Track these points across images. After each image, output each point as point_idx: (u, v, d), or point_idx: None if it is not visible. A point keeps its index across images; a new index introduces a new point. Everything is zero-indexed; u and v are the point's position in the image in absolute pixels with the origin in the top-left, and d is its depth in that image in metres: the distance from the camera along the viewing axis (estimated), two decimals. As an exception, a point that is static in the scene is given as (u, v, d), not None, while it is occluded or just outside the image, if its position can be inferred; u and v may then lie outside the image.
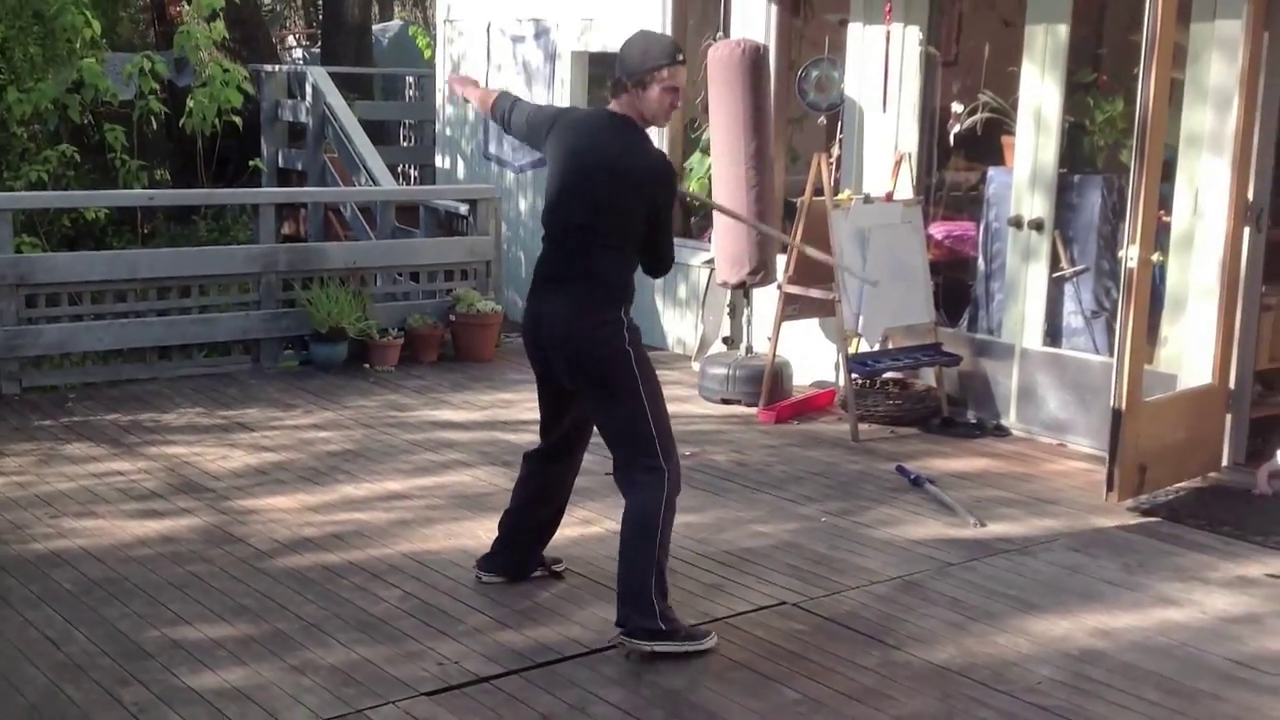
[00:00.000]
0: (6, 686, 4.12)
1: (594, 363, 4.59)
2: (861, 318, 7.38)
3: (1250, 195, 6.44)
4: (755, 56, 7.77)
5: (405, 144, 14.58)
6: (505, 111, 5.03)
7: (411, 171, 14.17)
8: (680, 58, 4.60)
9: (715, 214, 8.02)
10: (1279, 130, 6.48)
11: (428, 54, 15.44)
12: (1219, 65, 6.45)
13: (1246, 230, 6.48)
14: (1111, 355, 6.19)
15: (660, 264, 4.76)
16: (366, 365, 8.52)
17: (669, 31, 9.33)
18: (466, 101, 4.86)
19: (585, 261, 4.60)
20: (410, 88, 14.65)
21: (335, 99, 12.56)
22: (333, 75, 13.14)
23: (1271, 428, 6.67)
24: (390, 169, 12.39)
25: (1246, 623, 4.85)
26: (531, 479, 5.03)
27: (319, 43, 18.14)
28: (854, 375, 7.42)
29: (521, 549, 5.07)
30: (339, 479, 6.28)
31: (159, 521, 5.63)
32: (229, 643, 4.47)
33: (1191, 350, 6.62)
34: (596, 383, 4.62)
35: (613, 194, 4.57)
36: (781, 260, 7.78)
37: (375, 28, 17.70)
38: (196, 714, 3.97)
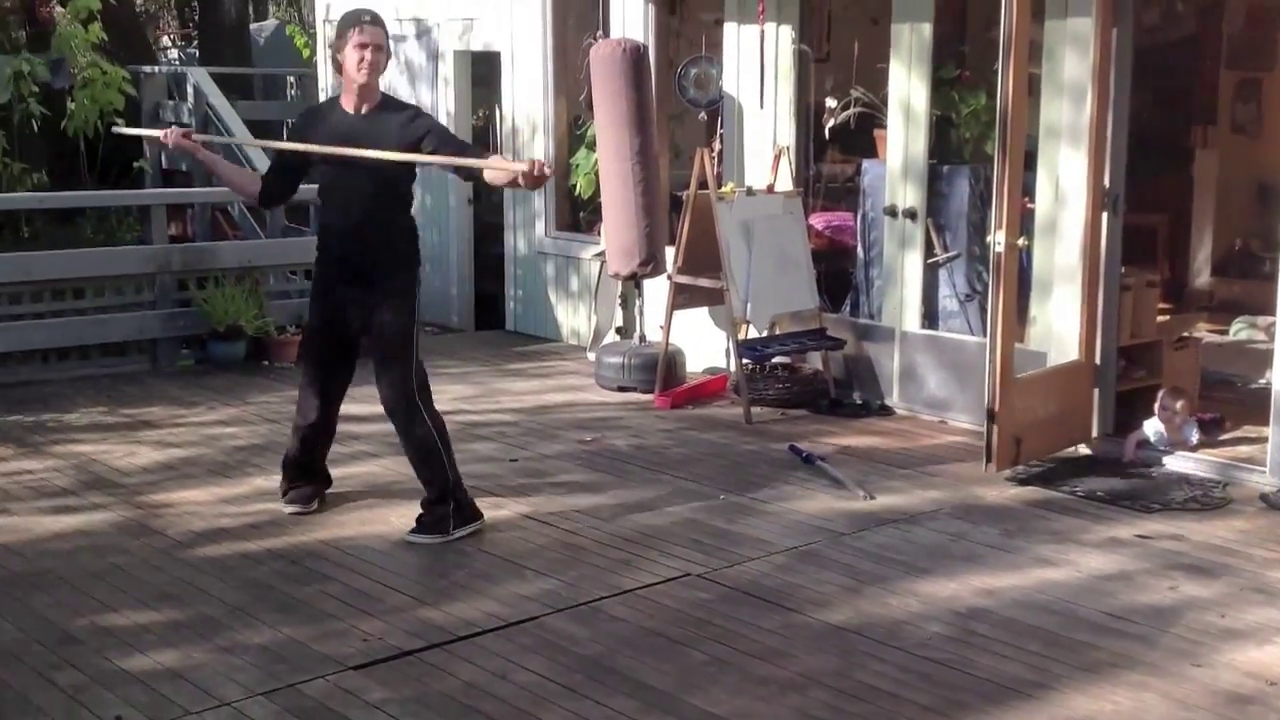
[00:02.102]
0: (-61, 677, 4.21)
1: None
2: (749, 305, 7.68)
3: (1107, 182, 6.85)
4: (636, 55, 8.03)
5: (288, 143, 14.56)
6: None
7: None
8: (367, 19, 5.35)
9: (605, 207, 8.26)
10: (1130, 121, 6.91)
11: (306, 53, 15.44)
12: (1073, 60, 6.85)
13: (1105, 215, 6.89)
14: (985, 336, 6.56)
15: None
16: (265, 362, 8.62)
17: (549, 30, 9.53)
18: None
19: None
20: (292, 87, 14.67)
21: (218, 99, 12.56)
22: (213, 75, 13.11)
23: (1137, 400, 7.10)
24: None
25: (1118, 579, 5.21)
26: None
27: (194, 43, 17.99)
28: (745, 360, 7.72)
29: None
30: (249, 472, 6.41)
31: (74, 516, 5.72)
32: (157, 627, 4.60)
33: (1059, 329, 7.03)
34: None
35: None
36: (670, 251, 8.05)
37: (252, 27, 17.59)
38: (132, 693, 4.10)
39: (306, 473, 5.87)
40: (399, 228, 5.56)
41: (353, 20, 5.38)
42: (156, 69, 13.93)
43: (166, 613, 4.74)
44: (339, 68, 5.43)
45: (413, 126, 5.39)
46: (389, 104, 5.55)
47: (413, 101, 10.59)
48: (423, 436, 5.54)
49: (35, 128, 11.36)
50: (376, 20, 5.39)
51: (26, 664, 4.29)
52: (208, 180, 12.65)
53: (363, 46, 5.30)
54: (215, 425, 7.24)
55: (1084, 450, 6.89)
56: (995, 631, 4.70)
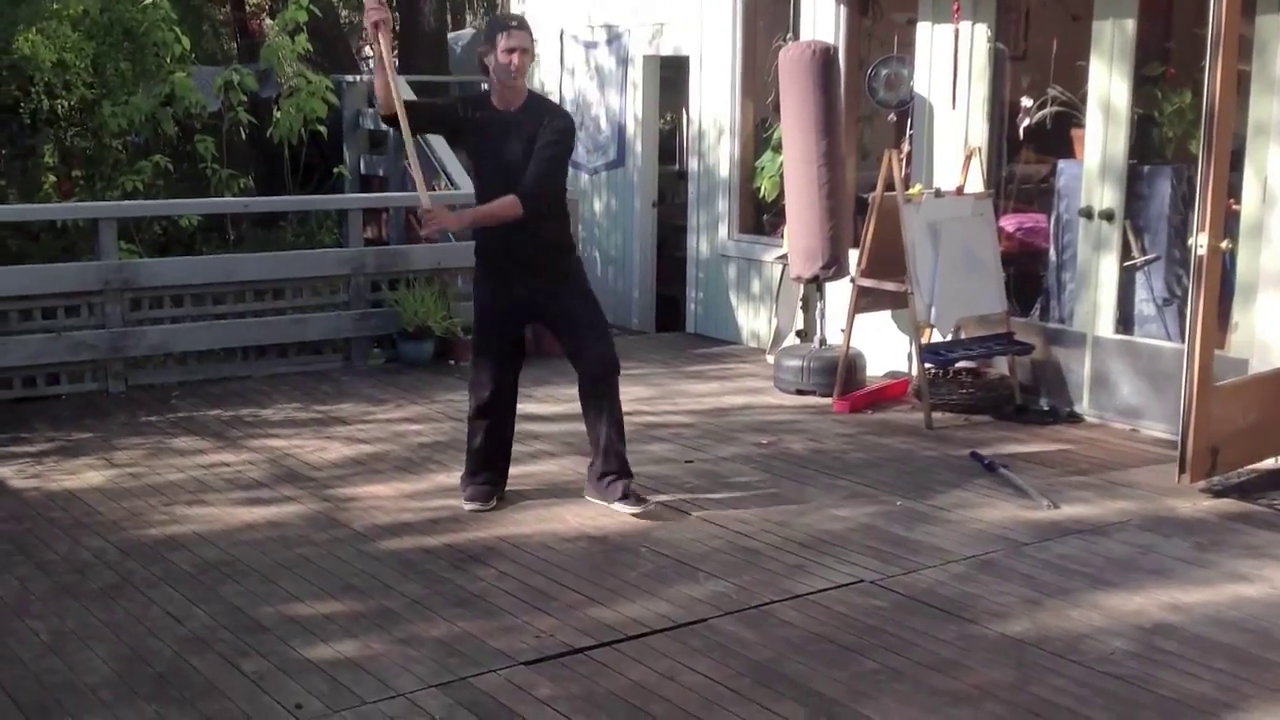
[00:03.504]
0: (135, 658, 4.41)
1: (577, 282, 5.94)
2: (934, 309, 7.54)
3: (1319, 182, 6.54)
4: (825, 57, 7.96)
5: (482, 149, 14.85)
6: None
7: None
8: (514, 24, 5.64)
9: (789, 209, 8.21)
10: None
11: (501, 61, 15.73)
12: (1285, 55, 6.55)
13: (1316, 217, 6.57)
14: (1183, 341, 6.31)
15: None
16: (451, 362, 8.81)
17: (739, 33, 9.53)
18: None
19: None
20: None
21: (415, 106, 12.86)
22: (411, 83, 13.43)
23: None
24: (469, 173, 12.66)
25: (1317, 597, 4.97)
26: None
27: (396, 52, 18.50)
28: (927, 365, 7.58)
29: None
30: (432, 468, 6.56)
31: (266, 508, 5.94)
32: (339, 618, 4.75)
33: (1262, 335, 6.72)
34: None
35: None
36: (854, 254, 7.96)
37: (450, 36, 18.01)
38: (313, 682, 4.24)
39: (486, 463, 5.99)
40: (554, 218, 5.81)
41: (501, 25, 5.69)
42: (358, 78, 14.33)
43: (348, 604, 4.88)
44: (485, 69, 5.69)
45: (545, 128, 5.63)
46: (537, 102, 5.86)
47: (603, 106, 10.75)
48: (619, 408, 5.92)
49: (243, 135, 11.84)
50: (523, 25, 5.68)
51: (214, 650, 4.47)
52: (402, 185, 13.06)
53: (511, 51, 5.57)
54: (402, 422, 7.43)
55: (1288, 462, 6.57)
56: (1182, 649, 4.52)
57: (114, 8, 11.43)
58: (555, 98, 11.27)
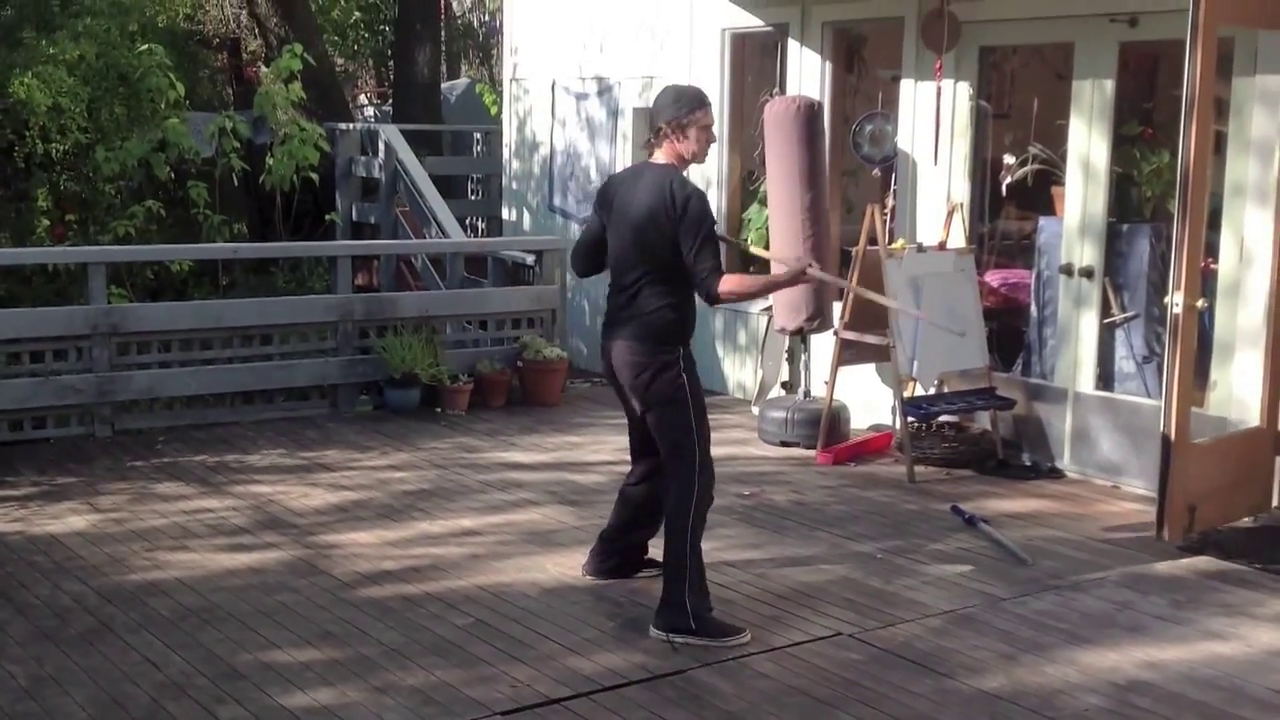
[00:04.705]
0: (111, 704, 4.43)
1: (646, 391, 5.15)
2: (916, 362, 7.60)
3: (1295, 243, 6.61)
4: (810, 112, 8.06)
5: (473, 197, 14.98)
6: None
7: (479, 224, 14.57)
8: (708, 100, 5.24)
9: (774, 262, 8.28)
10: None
11: (494, 110, 15.89)
12: (1261, 117, 6.64)
13: (1292, 276, 6.64)
14: (1161, 398, 6.36)
15: (697, 286, 5.13)
16: (438, 409, 8.85)
17: (727, 87, 9.65)
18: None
19: (637, 304, 5.16)
20: (478, 144, 15.07)
21: (406, 155, 12.98)
22: (404, 132, 13.56)
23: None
24: (459, 221, 12.77)
25: (1291, 655, 5.00)
26: (628, 503, 5.57)
27: (390, 101, 18.67)
28: (910, 418, 7.63)
29: (626, 556, 5.68)
30: (415, 516, 6.58)
31: (248, 554, 5.96)
32: (316, 665, 4.76)
33: (1240, 393, 6.78)
34: (651, 406, 5.18)
35: (652, 234, 5.09)
36: (838, 307, 8.03)
37: (444, 86, 18.17)
38: (289, 729, 4.26)
39: (613, 549, 5.67)
40: None
41: (703, 100, 5.23)
42: (351, 126, 14.46)
43: (326, 651, 4.90)
44: (663, 137, 5.17)
45: None
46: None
47: (593, 156, 10.85)
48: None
49: (236, 182, 11.94)
50: (709, 101, 5.30)
51: (191, 696, 4.49)
52: (394, 233, 13.16)
53: (708, 128, 5.21)
54: (387, 469, 7.46)
55: (1264, 520, 6.60)
56: (1156, 705, 4.55)
57: (110, 53, 11.57)
58: (546, 148, 11.39)
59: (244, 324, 8.57)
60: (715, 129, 5.38)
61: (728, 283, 5.12)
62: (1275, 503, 6.68)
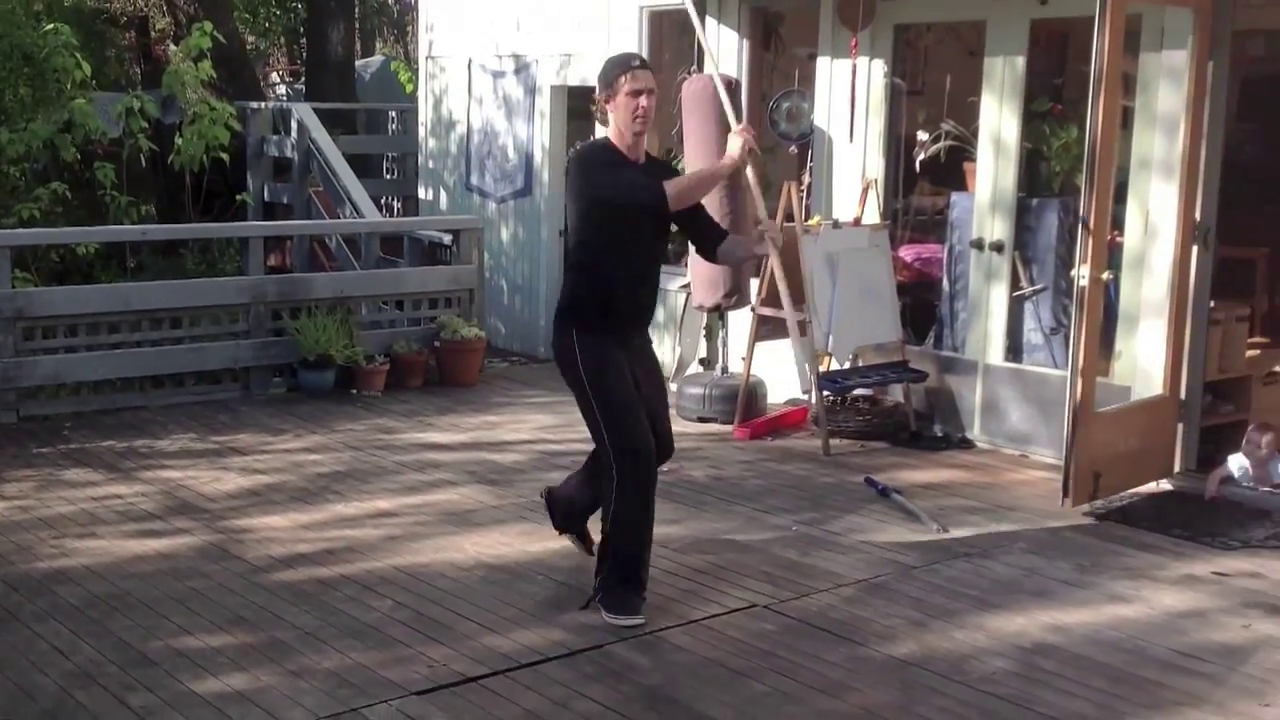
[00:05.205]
0: (19, 694, 4.35)
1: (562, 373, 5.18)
2: (831, 337, 7.67)
3: (1198, 215, 6.75)
4: (727, 89, 8.05)
5: (389, 176, 14.86)
6: None
7: (395, 203, 14.46)
8: (636, 63, 4.96)
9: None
10: (1224, 154, 6.79)
11: (409, 89, 15.74)
12: (1167, 93, 6.76)
13: (1195, 249, 6.78)
14: (1068, 369, 6.47)
15: (657, 205, 4.91)
16: (354, 390, 8.78)
17: (644, 65, 9.63)
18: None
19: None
20: (393, 122, 14.93)
21: (320, 134, 12.84)
22: (317, 111, 13.42)
23: (1223, 436, 6.96)
24: (374, 201, 12.67)
25: (1192, 617, 5.12)
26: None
27: (302, 79, 18.45)
28: (825, 393, 7.70)
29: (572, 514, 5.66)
30: (330, 498, 6.53)
31: (158, 540, 5.88)
32: (229, 651, 4.71)
33: (1144, 363, 6.91)
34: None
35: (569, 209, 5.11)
36: (755, 284, 8.07)
37: (358, 63, 17.98)
38: (201, 716, 4.20)
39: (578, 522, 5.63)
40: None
41: (622, 65, 4.95)
42: (263, 105, 14.28)
43: (239, 636, 4.85)
44: (605, 119, 5.00)
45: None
46: (652, 160, 5.22)
47: (510, 135, 10.79)
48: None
49: (144, 162, 11.73)
50: (645, 64, 4.99)
51: (101, 684, 4.42)
52: (307, 213, 13.02)
53: (637, 94, 4.87)
54: (300, 452, 7.39)
55: (1166, 486, 6.75)
56: (1061, 668, 4.64)
57: (14, 33, 11.31)
58: (463, 126, 11.30)
59: (153, 307, 8.43)
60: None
61: (672, 186, 4.91)
62: (1178, 469, 6.83)
